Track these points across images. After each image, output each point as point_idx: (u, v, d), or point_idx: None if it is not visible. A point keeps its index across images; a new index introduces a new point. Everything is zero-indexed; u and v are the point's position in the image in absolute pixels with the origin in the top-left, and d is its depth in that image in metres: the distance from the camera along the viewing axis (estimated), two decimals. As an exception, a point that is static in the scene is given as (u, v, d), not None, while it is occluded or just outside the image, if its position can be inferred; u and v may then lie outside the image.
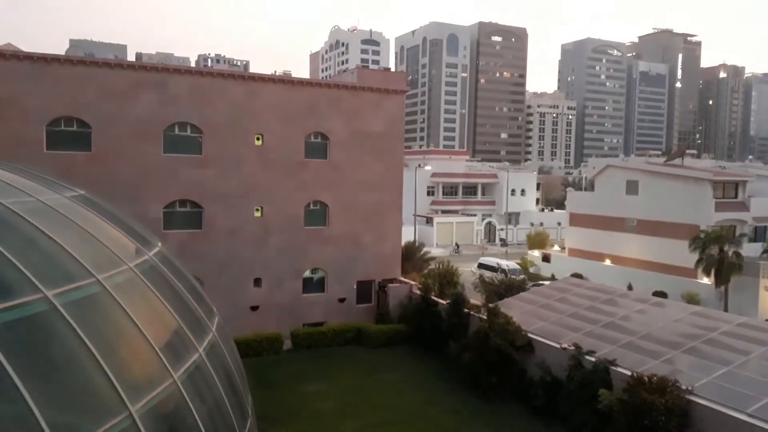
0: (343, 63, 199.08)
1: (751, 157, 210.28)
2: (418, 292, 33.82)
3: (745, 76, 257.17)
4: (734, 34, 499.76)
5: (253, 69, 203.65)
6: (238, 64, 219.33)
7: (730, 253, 37.75)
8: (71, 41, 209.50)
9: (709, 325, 24.58)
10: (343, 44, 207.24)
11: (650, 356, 22.33)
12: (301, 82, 33.98)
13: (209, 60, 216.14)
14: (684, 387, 19.06)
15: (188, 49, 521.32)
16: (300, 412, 23.63)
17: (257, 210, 32.68)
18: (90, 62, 29.33)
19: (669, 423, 18.21)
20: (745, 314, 31.67)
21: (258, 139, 32.47)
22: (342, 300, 34.91)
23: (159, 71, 30.50)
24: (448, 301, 30.79)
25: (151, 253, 13.04)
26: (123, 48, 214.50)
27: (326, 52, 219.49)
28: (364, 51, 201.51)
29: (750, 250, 40.32)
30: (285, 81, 33.81)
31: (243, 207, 32.24)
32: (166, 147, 30.44)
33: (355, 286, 35.26)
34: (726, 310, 35.32)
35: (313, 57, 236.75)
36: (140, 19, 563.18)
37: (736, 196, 46.35)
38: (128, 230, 13.51)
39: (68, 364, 8.88)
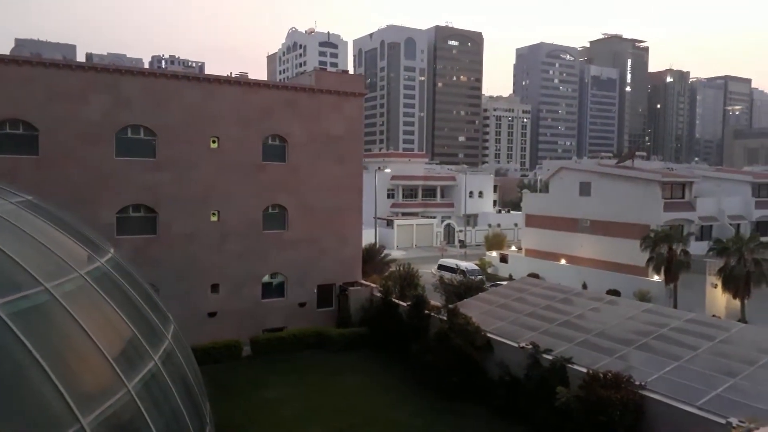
0: (300, 65, 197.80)
1: (696, 158, 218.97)
2: (379, 294, 33.83)
3: (690, 80, 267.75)
4: (679, 41, 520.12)
5: (209, 71, 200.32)
6: (193, 65, 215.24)
7: (679, 252, 39.13)
8: (17, 40, 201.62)
9: (660, 321, 25.42)
10: (300, 46, 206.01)
11: (605, 353, 22.93)
12: (258, 84, 33.60)
13: (163, 61, 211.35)
14: (637, 382, 19.65)
15: (141, 50, 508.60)
16: (260, 418, 23.28)
17: (214, 214, 32.09)
18: (37, 62, 28.25)
19: (624, 418, 18.73)
20: (693, 310, 32.88)
21: (214, 141, 31.91)
22: (302, 304, 34.61)
23: (110, 72, 29.63)
24: (408, 303, 30.92)
25: (103, 259, 12.64)
26: (72, 48, 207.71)
27: (284, 54, 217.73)
28: (322, 53, 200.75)
29: (697, 248, 41.90)
30: (241, 83, 33.36)
31: (199, 211, 31.60)
32: (119, 150, 29.59)
33: (315, 290, 35.03)
34: (675, 306, 36.59)
35: (270, 59, 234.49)
36: (90, 19, 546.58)
37: (683, 197, 48.13)
38: (78, 236, 13.06)
39: (15, 376, 8.50)
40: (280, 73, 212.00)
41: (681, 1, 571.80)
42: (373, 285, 35.78)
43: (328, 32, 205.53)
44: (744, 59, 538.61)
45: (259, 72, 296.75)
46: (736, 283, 36.32)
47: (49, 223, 12.48)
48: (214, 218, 32.09)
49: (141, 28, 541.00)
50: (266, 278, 33.94)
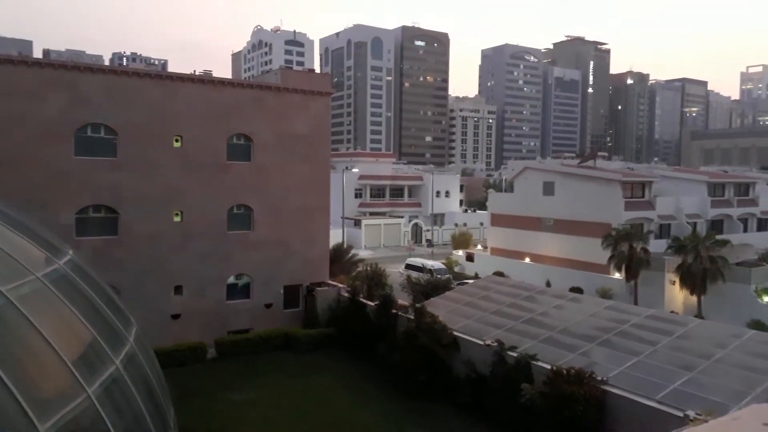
0: (266, 64, 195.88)
1: (656, 159, 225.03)
2: (346, 294, 33.76)
3: (650, 82, 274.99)
4: (639, 44, 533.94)
5: (172, 69, 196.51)
6: (156, 63, 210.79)
7: (639, 250, 40.13)
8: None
9: (621, 318, 26.04)
10: (266, 44, 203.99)
11: (568, 350, 23.37)
12: (222, 83, 33.13)
13: (124, 58, 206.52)
14: (600, 378, 20.09)
15: (102, 47, 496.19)
16: (227, 421, 22.98)
17: (177, 214, 31.52)
18: (-10, 58, 27.28)
19: (587, 413, 19.13)
20: (653, 306, 33.79)
21: (177, 141, 31.34)
22: (268, 306, 34.28)
23: (69, 69, 28.81)
24: (376, 303, 30.95)
25: (62, 261, 12.29)
26: (28, 44, 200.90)
27: (249, 53, 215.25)
28: (288, 52, 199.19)
29: (656, 246, 43.03)
30: (205, 81, 32.86)
31: (162, 212, 31.00)
32: (78, 149, 28.80)
33: (282, 291, 34.74)
34: (636, 303, 37.54)
35: (235, 57, 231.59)
36: (48, 14, 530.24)
37: (643, 196, 49.40)
38: (35, 238, 12.67)
39: (-33, 384, 8.19)
40: (245, 72, 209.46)
41: (641, 5, 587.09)
42: (340, 285, 35.69)
43: (294, 31, 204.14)
44: (700, 63, 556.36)
45: (223, 70, 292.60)
46: (693, 280, 37.45)
47: (3, 224, 12.06)
48: (177, 219, 31.52)
49: (101, 25, 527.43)
50: (231, 279, 33.52)
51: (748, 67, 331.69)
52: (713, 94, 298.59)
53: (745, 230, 52.70)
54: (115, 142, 29.70)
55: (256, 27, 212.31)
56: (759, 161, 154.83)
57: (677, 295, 40.00)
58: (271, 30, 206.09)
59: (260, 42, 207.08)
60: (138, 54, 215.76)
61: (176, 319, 31.42)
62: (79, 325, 10.95)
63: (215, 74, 41.09)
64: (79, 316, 11.02)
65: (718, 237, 40.15)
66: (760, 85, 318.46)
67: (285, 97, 34.46)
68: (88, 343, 10.91)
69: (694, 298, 37.89)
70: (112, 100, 29.35)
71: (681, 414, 17.14)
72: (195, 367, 28.54)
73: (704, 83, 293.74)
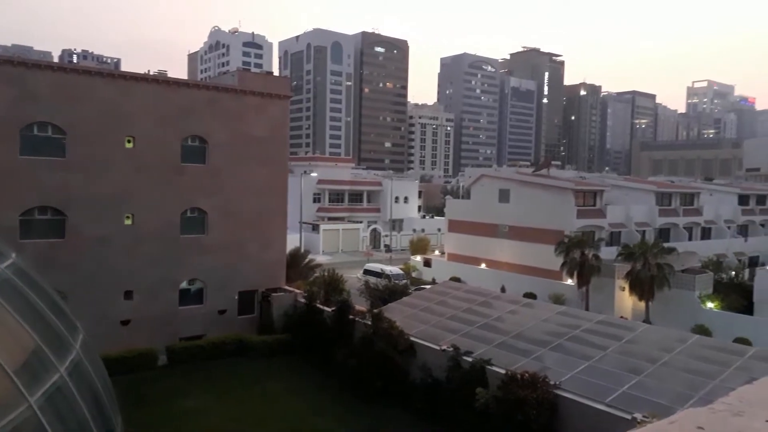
0: (223, 65, 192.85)
1: (607, 168, 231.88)
2: (303, 300, 33.44)
3: (602, 94, 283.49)
4: (592, 56, 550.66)
5: (126, 68, 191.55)
6: (108, 61, 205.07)
7: (590, 257, 41.19)
8: None
9: (573, 323, 26.65)
10: (223, 45, 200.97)
11: (522, 354, 23.76)
12: (177, 83, 32.46)
13: (75, 56, 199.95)
14: (552, 382, 20.49)
15: (51, 43, 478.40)
16: (177, 430, 22.38)
17: (128, 217, 30.64)
18: (-72, 50, 25.94)
19: (540, 416, 19.47)
20: (603, 312, 34.70)
21: (129, 141, 30.50)
22: (222, 311, 33.62)
23: (15, 65, 27.68)
24: (333, 309, 30.77)
25: (3, 265, 11.74)
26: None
27: (206, 53, 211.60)
28: (246, 54, 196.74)
29: (607, 253, 44.27)
30: (160, 81, 32.11)
31: (112, 214, 30.06)
32: (24, 148, 27.66)
33: (236, 297, 34.13)
34: (587, 308, 38.50)
35: (192, 57, 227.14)
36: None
37: (594, 204, 50.78)
38: (-26, 240, 12.05)
39: None
40: (201, 73, 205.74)
41: (595, 19, 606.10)
42: (297, 291, 35.34)
43: (253, 33, 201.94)
44: (649, 77, 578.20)
45: (179, 71, 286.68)
46: (641, 286, 38.66)
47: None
48: (128, 222, 30.63)
49: (51, 21, 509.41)
50: (184, 284, 32.75)
51: (693, 82, 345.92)
52: (661, 107, 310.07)
53: (690, 239, 54.78)
54: (64, 142, 28.67)
55: (214, 28, 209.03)
56: (703, 172, 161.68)
57: (626, 301, 41.21)
58: (230, 31, 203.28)
59: (218, 43, 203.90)
60: (90, 51, 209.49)
61: (126, 325, 30.47)
62: (22, 331, 10.47)
63: (171, 74, 40.22)
64: (22, 323, 10.54)
65: (665, 245, 41.56)
66: (705, 100, 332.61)
67: (242, 99, 33.99)
68: (30, 351, 10.44)
69: (642, 304, 39.11)
70: (61, 99, 28.34)
71: (629, 417, 17.63)
72: (145, 375, 27.74)
73: (653, 96, 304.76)
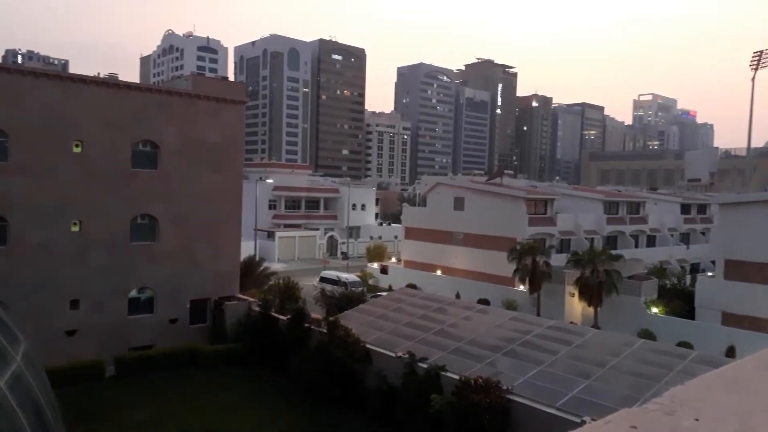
0: (177, 69, 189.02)
1: (558, 177, 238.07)
2: (257, 308, 32.96)
3: (553, 106, 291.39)
4: (544, 69, 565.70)
5: (74, 70, 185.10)
6: (55, 62, 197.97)
7: (541, 263, 42.15)
8: None
9: (525, 328, 27.20)
10: (177, 49, 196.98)
11: (476, 360, 24.08)
12: (128, 86, 31.66)
13: (20, 56, 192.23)
14: (505, 387, 20.83)
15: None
16: (125, 444, 21.68)
17: (75, 224, 29.60)
18: None
19: (493, 421, 19.75)
20: (554, 317, 35.56)
21: (77, 145, 29.52)
22: (173, 321, 32.81)
23: (-48, 64, 26.43)
24: (288, 317, 30.45)
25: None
26: None
27: (159, 57, 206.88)
28: (200, 58, 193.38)
29: (557, 260, 45.40)
30: (110, 84, 31.27)
31: (58, 221, 28.98)
32: (-39, 151, 26.41)
33: (188, 306, 33.38)
34: (538, 314, 39.32)
35: (144, 61, 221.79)
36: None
37: (546, 213, 52.04)
38: None
39: None
40: (154, 76, 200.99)
41: (547, 33, 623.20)
42: (251, 299, 34.82)
43: (208, 37, 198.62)
44: (598, 89, 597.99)
45: (131, 74, 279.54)
46: (590, 292, 39.77)
47: None
48: (75, 228, 29.60)
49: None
50: (133, 293, 31.82)
51: (639, 95, 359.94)
52: (609, 119, 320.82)
53: (637, 246, 56.74)
54: (6, 145, 27.51)
55: (168, 31, 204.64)
56: (648, 182, 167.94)
57: (576, 307, 42.30)
58: (184, 35, 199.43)
59: (171, 47, 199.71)
60: (35, 52, 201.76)
61: (72, 336, 29.37)
62: (-43, 344, 9.98)
63: (122, 78, 39.19)
64: (-42, 335, 10.04)
65: (613, 252, 42.90)
66: (650, 112, 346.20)
67: (196, 104, 33.41)
68: (-33, 364, 9.95)
69: (591, 309, 40.22)
70: (3, 100, 27.20)
71: (578, 420, 18.09)
72: (92, 387, 26.77)
73: (601, 108, 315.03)
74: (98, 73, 41.27)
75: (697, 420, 1.53)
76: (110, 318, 30.49)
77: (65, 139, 29.08)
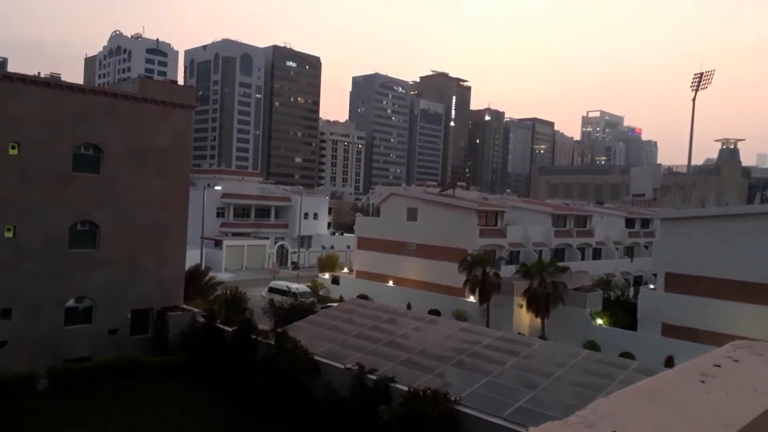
0: (124, 71, 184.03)
1: (508, 190, 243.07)
2: (202, 319, 32.06)
3: (505, 120, 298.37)
4: (496, 84, 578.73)
5: (12, 68, 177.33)
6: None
7: (491, 274, 42.73)
8: None
9: (474, 339, 27.40)
10: (125, 51, 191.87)
11: (425, 371, 24.06)
12: (71, 87, 30.47)
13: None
14: (453, 398, 20.85)
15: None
16: (56, 462, 20.55)
17: (9, 229, 28.13)
18: None
19: (440, 432, 19.71)
20: (503, 328, 36.05)
21: (13, 147, 28.12)
22: (113, 331, 31.51)
23: None
24: (234, 328, 29.72)
25: None
26: None
27: (105, 58, 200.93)
28: (149, 61, 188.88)
29: (506, 271, 46.15)
30: (51, 84, 30.02)
31: (-10, 225, 27.46)
32: None
33: (129, 316, 32.12)
34: (488, 325, 39.77)
35: (89, 62, 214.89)
36: None
37: (496, 224, 52.91)
38: None
39: None
40: (99, 78, 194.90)
41: (500, 48, 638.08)
42: (196, 309, 33.85)
43: (158, 39, 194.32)
44: (549, 105, 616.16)
45: (75, 75, 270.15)
46: (537, 303, 40.53)
47: None
48: (9, 234, 28.15)
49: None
50: (71, 302, 30.44)
51: (588, 112, 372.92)
52: (559, 134, 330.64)
53: (583, 258, 58.33)
54: (-67, 145, 25.95)
55: (115, 32, 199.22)
56: (595, 196, 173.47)
57: (524, 318, 43.02)
58: (132, 36, 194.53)
59: (118, 48, 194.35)
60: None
61: (2, 347, 27.78)
62: None
63: (66, 78, 37.72)
64: None
65: (560, 264, 43.92)
66: (598, 129, 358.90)
67: (143, 107, 32.42)
68: None
69: (538, 320, 40.96)
70: (-68, 97, 25.69)
71: (524, 431, 18.24)
72: (23, 401, 25.34)
73: (551, 124, 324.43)
74: (38, 73, 39.60)
75: None
76: (45, 328, 29.03)
77: (1, 140, 27.66)
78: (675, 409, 1.68)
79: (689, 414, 1.62)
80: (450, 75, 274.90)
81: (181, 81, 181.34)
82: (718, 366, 2.13)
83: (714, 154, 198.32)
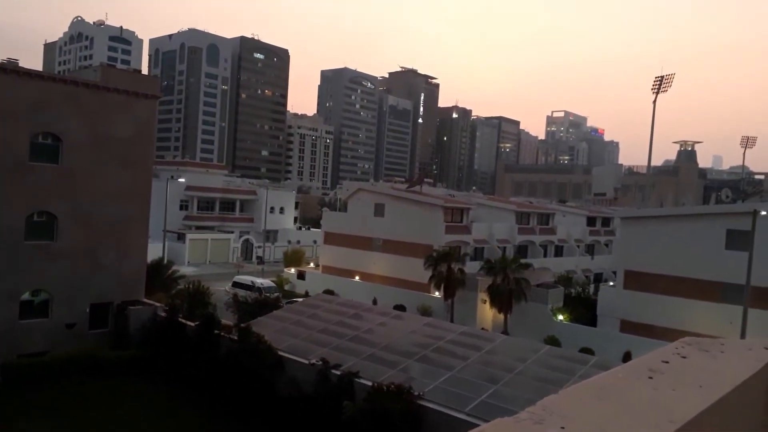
0: (86, 58, 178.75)
1: (474, 187, 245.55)
2: (164, 314, 31.51)
3: (472, 118, 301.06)
4: (463, 82, 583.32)
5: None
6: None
7: (456, 270, 43.17)
8: None
9: (438, 334, 27.65)
10: (87, 38, 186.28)
11: (389, 366, 24.18)
12: (28, 74, 29.45)
13: None
14: (416, 393, 21.02)
15: None
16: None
17: (-40, 219, 27.10)
18: None
19: (404, 427, 19.86)
20: (466, 323, 36.45)
21: (-34, 134, 27.06)
22: (71, 325, 30.70)
23: None
24: (197, 323, 29.31)
25: None
26: None
27: (65, 44, 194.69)
28: (112, 48, 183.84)
29: (471, 267, 46.64)
30: (7, 70, 28.96)
31: (-60, 215, 26.41)
32: None
33: (88, 310, 31.33)
34: (452, 320, 40.17)
35: (49, 48, 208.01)
36: None
37: (462, 221, 53.41)
38: None
39: None
40: (59, 65, 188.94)
41: (467, 47, 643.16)
42: (157, 304, 33.23)
43: (121, 27, 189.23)
44: (514, 104, 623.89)
45: (33, 61, 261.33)
46: (500, 299, 41.13)
47: None
48: (-40, 224, 27.09)
49: None
50: (26, 295, 29.52)
51: (552, 112, 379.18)
52: (524, 133, 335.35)
53: (545, 255, 59.37)
54: None
55: (76, 18, 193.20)
56: (558, 195, 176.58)
57: (488, 313, 43.61)
58: (95, 23, 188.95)
59: (80, 34, 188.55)
60: None
61: (-49, 342, 26.79)
62: None
63: (23, 64, 36.44)
64: None
65: (523, 261, 44.59)
66: (562, 129, 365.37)
67: (105, 96, 31.58)
68: None
69: (501, 316, 41.57)
70: None
71: (485, 424, 18.52)
72: (-28, 398, 24.48)
73: (517, 123, 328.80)
74: (-6, 58, 38.24)
75: (563, 428, 1.54)
76: (-2, 322, 28.09)
77: (-49, 126, 26.63)
78: (622, 404, 1.74)
79: (636, 409, 1.69)
80: (419, 72, 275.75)
81: (145, 70, 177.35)
82: (667, 362, 2.21)
83: (673, 156, 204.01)
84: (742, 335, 30.20)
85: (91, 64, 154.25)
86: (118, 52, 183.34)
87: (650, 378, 1.98)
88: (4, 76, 28.37)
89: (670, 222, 38.39)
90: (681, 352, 2.36)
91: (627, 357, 33.29)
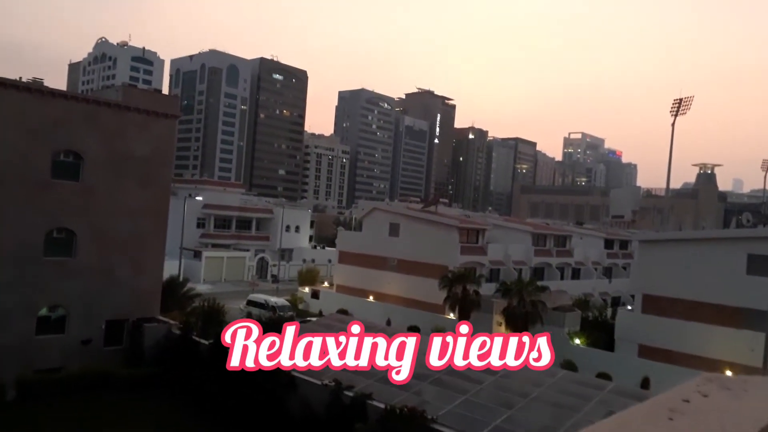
0: (109, 78, 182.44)
1: (490, 208, 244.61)
2: (178, 332, 31.56)
3: (488, 139, 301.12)
4: (480, 102, 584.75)
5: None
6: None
7: (471, 292, 42.76)
8: None
9: (452, 357, 27.26)
10: (110, 58, 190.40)
11: (403, 388, 23.88)
12: (52, 93, 30.10)
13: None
14: (430, 416, 20.72)
15: None
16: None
17: (-18, 235, 27.54)
18: None
19: (416, 451, 19.54)
20: (481, 346, 35.90)
21: (-10, 152, 27.63)
22: (86, 342, 30.85)
23: None
24: (211, 341, 29.30)
25: None
26: None
27: (89, 65, 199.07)
28: (134, 69, 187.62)
29: (486, 289, 46.18)
30: (32, 89, 29.63)
31: (-38, 231, 26.87)
32: None
33: (103, 326, 31.51)
34: (467, 342, 39.68)
35: (73, 68, 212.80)
36: None
37: (477, 242, 53.07)
38: None
39: None
40: (83, 84, 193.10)
41: (484, 68, 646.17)
42: (172, 321, 33.33)
43: (144, 48, 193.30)
44: (531, 125, 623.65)
45: (57, 80, 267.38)
46: (516, 322, 40.56)
47: None
48: (-19, 240, 27.52)
49: None
50: (43, 311, 29.79)
51: (570, 133, 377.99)
52: (540, 154, 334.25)
53: (562, 278, 58.64)
54: None
55: (101, 39, 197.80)
56: (575, 216, 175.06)
57: (503, 336, 42.98)
58: (118, 44, 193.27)
59: (104, 55, 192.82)
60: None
61: (-32, 357, 27.04)
62: None
63: (48, 84, 37.32)
64: None
65: (539, 283, 44.09)
66: (579, 150, 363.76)
67: (125, 115, 32.12)
68: None
69: (517, 339, 40.95)
70: None
71: (500, 450, 18.16)
72: (-12, 413, 24.63)
73: (534, 144, 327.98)
74: (20, 77, 39.09)
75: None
76: (14, 337, 28.33)
77: (-23, 144, 27.21)
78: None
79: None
80: (435, 93, 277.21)
81: (166, 90, 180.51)
82: (687, 401, 2.12)
83: (692, 178, 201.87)
84: (765, 363, 29.45)
85: (113, 83, 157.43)
86: (140, 72, 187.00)
87: (670, 419, 1.89)
88: (29, 96, 29.02)
89: (690, 246, 37.78)
90: (702, 390, 2.27)
91: (645, 383, 32.56)
